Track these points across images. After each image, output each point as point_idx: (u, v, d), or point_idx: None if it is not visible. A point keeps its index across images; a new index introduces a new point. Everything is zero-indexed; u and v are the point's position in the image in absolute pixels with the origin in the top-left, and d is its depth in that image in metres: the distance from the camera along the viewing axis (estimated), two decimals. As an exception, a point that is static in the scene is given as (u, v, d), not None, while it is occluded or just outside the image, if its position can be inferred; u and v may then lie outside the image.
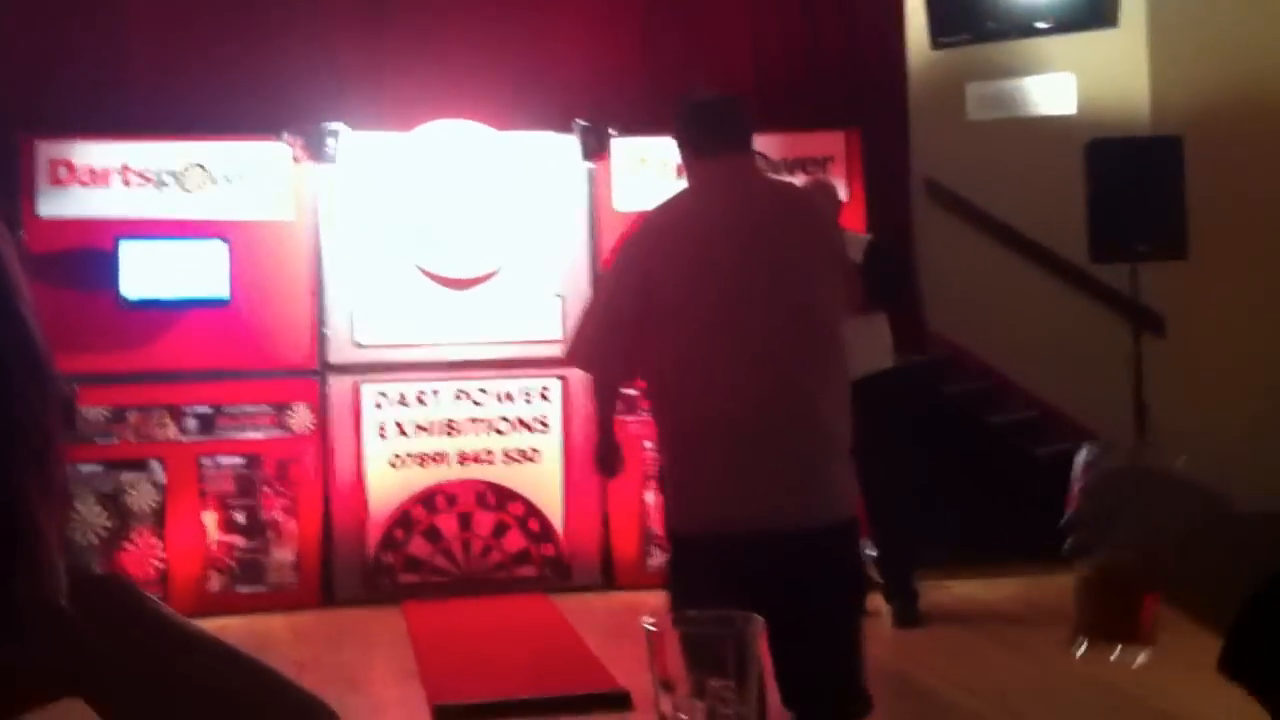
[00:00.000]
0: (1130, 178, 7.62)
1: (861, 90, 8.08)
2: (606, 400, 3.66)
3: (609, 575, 7.34)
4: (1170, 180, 7.71)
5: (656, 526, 7.37)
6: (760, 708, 1.08)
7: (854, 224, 7.42)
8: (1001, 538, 7.41)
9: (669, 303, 3.32)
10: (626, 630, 6.19)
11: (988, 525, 7.26)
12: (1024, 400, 8.55)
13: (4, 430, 0.77)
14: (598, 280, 3.55)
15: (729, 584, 3.07)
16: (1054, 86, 8.54)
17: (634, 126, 7.42)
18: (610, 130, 7.46)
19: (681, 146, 3.58)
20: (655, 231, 3.44)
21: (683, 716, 1.05)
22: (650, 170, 7.51)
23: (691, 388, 3.29)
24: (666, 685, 1.06)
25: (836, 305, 3.40)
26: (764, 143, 7.59)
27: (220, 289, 6.99)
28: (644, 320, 3.35)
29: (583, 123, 7.41)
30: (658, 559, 7.35)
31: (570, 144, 7.43)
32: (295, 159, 7.18)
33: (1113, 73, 8.54)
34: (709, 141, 3.54)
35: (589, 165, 7.48)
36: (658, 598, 6.29)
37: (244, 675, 0.89)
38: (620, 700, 5.12)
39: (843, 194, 7.57)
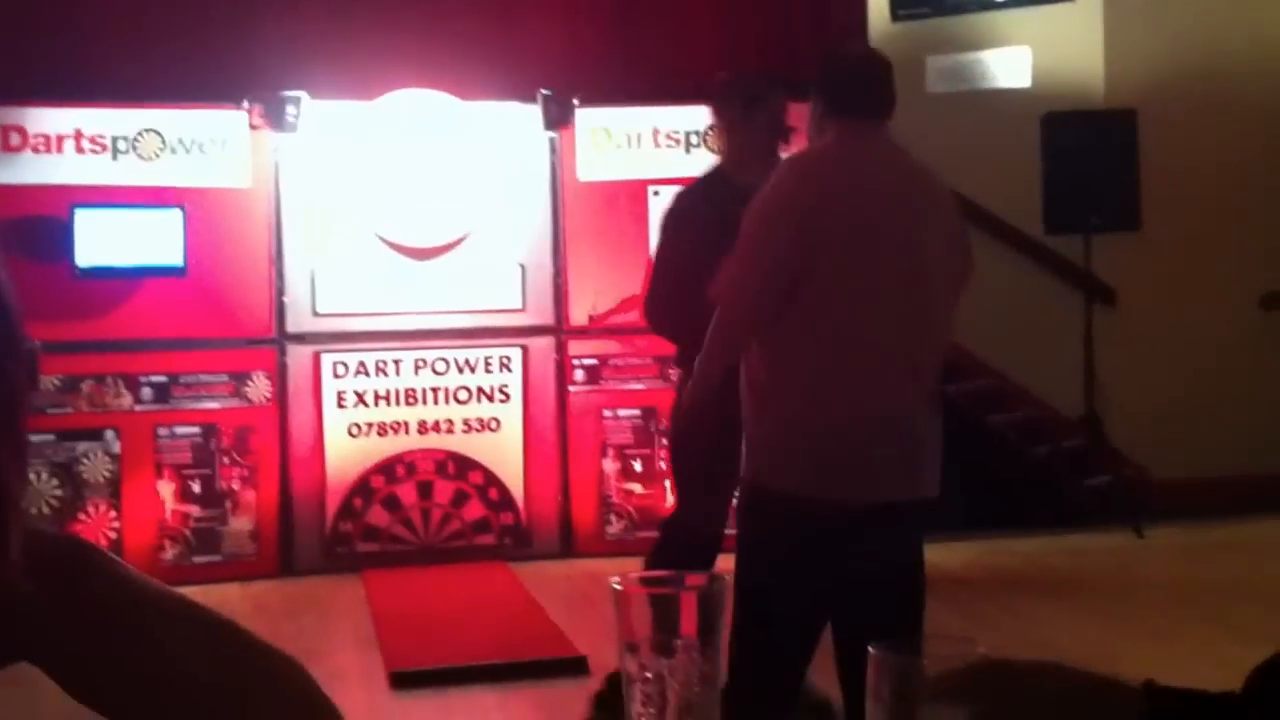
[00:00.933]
0: (1085, 151, 7.70)
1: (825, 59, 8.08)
2: (724, 368, 3.41)
3: (568, 544, 7.36)
4: (1123, 153, 7.79)
5: (615, 495, 7.40)
6: (720, 661, 1.10)
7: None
8: (955, 504, 7.48)
9: (830, 276, 3.19)
10: (585, 598, 6.28)
11: (941, 492, 7.31)
12: (977, 369, 8.61)
13: None
14: (741, 246, 3.27)
15: (829, 552, 3.18)
16: (1011, 60, 8.58)
17: (599, 97, 7.41)
18: (574, 101, 7.45)
19: (820, 99, 3.38)
20: (813, 200, 3.23)
21: (648, 675, 1.05)
22: (614, 142, 7.51)
23: (846, 366, 3.21)
24: (632, 645, 1.06)
25: (956, 291, 3.42)
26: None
27: (176, 257, 6.93)
28: (793, 290, 3.20)
29: (546, 93, 7.39)
30: (616, 527, 7.39)
31: (534, 114, 7.41)
32: (254, 126, 7.13)
33: (1068, 47, 8.59)
34: (857, 101, 3.38)
35: (552, 135, 7.46)
36: (617, 565, 6.32)
37: (208, 634, 0.86)
38: (577, 666, 5.16)
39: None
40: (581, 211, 7.47)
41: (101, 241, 6.85)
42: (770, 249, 3.22)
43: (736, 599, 3.18)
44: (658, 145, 7.56)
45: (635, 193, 7.45)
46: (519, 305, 7.31)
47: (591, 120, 7.48)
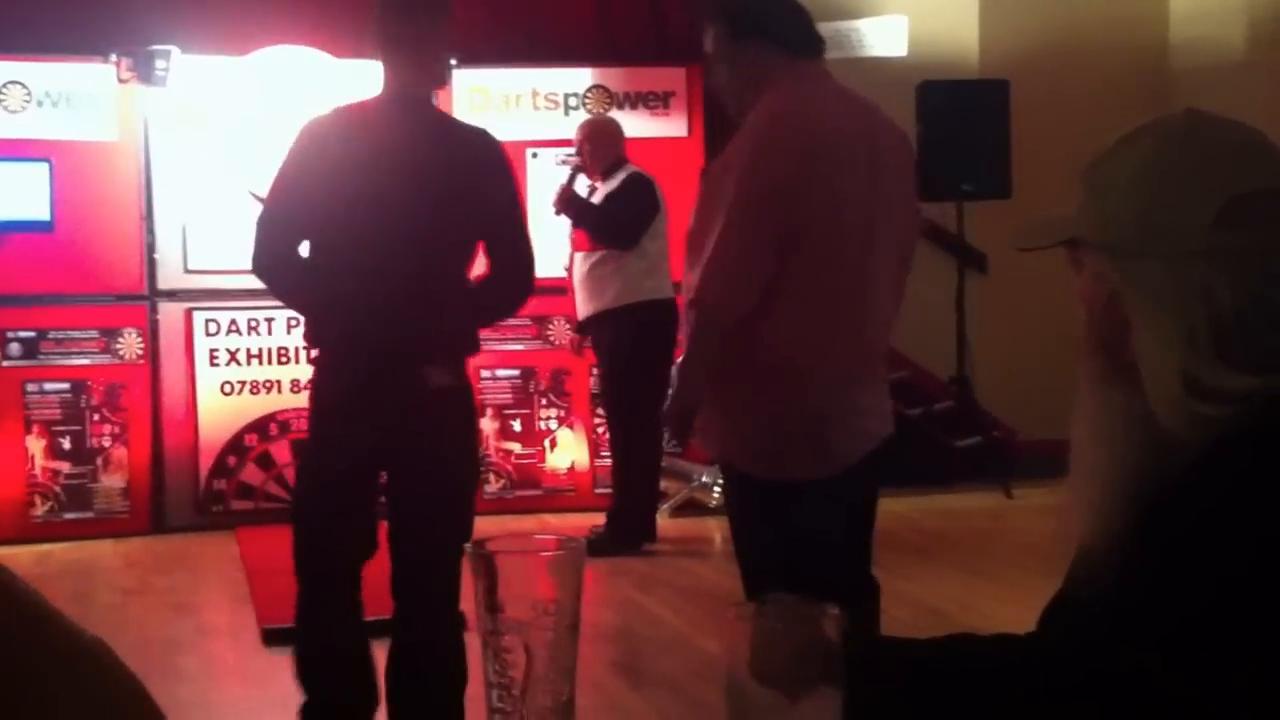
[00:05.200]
0: (958, 119, 7.82)
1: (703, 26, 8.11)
2: (715, 347, 3.08)
3: (444, 503, 7.35)
4: (996, 122, 7.94)
5: (494, 455, 7.41)
6: (577, 624, 1.12)
7: (693, 160, 7.52)
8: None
9: (824, 238, 2.99)
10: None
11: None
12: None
13: None
14: (726, 209, 2.94)
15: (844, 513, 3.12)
16: (887, 29, 8.69)
17: (474, 57, 7.37)
18: (452, 60, 7.38)
19: (761, 40, 3.10)
20: (803, 156, 2.99)
21: (506, 638, 1.06)
22: (491, 102, 7.48)
23: (834, 330, 3.05)
24: (491, 607, 1.07)
25: (917, 235, 3.32)
26: (605, 76, 7.64)
27: (43, 211, 6.79)
28: (782, 254, 2.98)
29: (423, 51, 7.32)
30: (494, 486, 7.41)
31: (410, 72, 7.34)
32: (122, 80, 6.99)
33: (944, 17, 8.72)
34: (806, 41, 3.15)
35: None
36: (494, 524, 6.36)
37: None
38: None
39: (682, 130, 7.66)
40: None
41: (-35, 194, 6.69)
42: (746, 220, 2.97)
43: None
44: (536, 107, 7.55)
45: (514, 154, 7.39)
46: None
47: (469, 80, 7.44)
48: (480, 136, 3.57)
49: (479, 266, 3.62)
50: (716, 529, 6.65)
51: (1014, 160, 7.95)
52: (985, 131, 7.86)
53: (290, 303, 3.81)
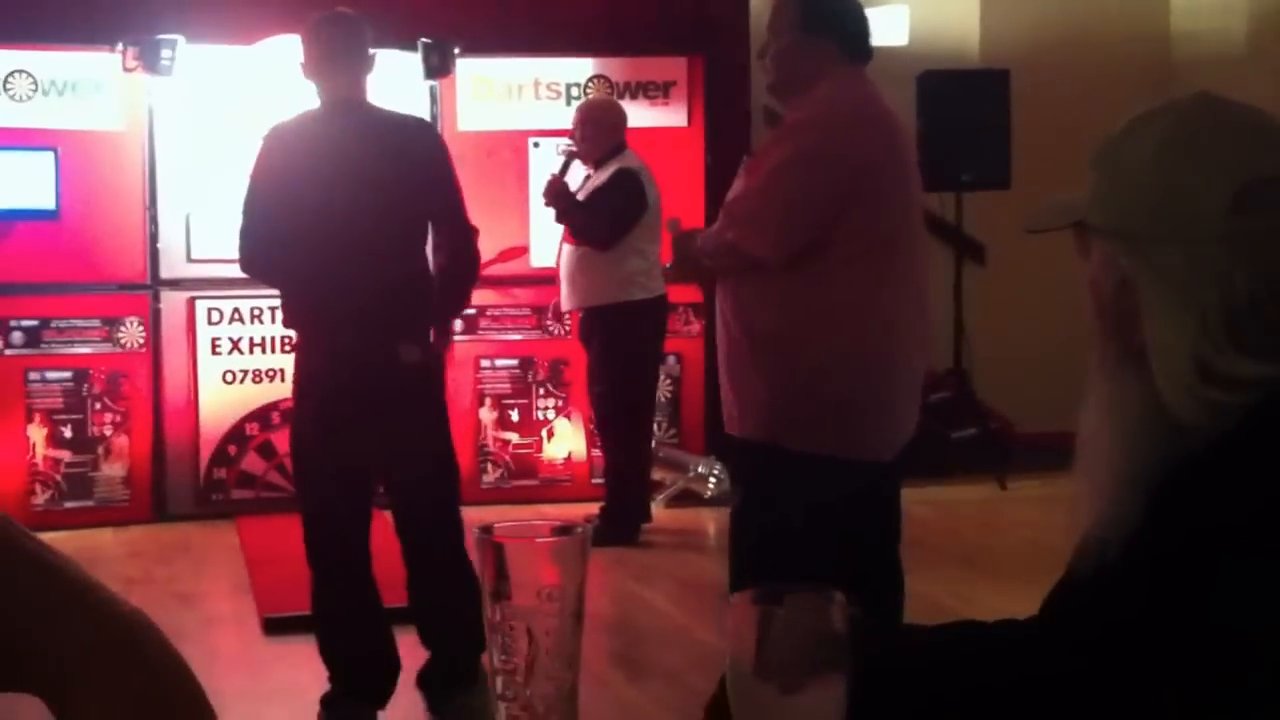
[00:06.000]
0: (958, 109, 7.83)
1: (705, 16, 8.12)
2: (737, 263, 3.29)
3: (444, 492, 7.37)
4: (996, 113, 7.94)
5: (492, 445, 7.43)
6: (581, 613, 1.14)
7: (693, 150, 7.53)
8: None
9: (882, 218, 3.18)
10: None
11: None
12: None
13: None
14: (789, 162, 3.19)
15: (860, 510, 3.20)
16: (888, 18, 8.69)
17: (480, 47, 7.37)
18: (455, 50, 7.40)
19: (828, 38, 3.28)
20: (860, 136, 3.22)
21: (512, 624, 1.07)
22: (495, 92, 7.49)
23: (889, 311, 3.20)
24: (496, 593, 1.07)
25: None
26: (607, 66, 7.64)
27: (48, 201, 6.81)
28: (828, 227, 3.15)
29: (427, 41, 7.33)
30: (492, 475, 7.43)
31: (414, 62, 7.36)
32: (128, 69, 7.00)
33: (944, 6, 8.72)
34: (864, 49, 3.34)
35: (433, 85, 7.41)
36: (493, 513, 6.36)
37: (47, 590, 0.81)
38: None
39: (682, 120, 7.67)
40: (462, 161, 7.41)
41: (-30, 183, 6.71)
42: (801, 183, 3.15)
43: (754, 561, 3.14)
44: (538, 96, 7.55)
45: (516, 143, 7.45)
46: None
47: (472, 70, 7.44)
48: (418, 126, 4.22)
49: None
50: (712, 519, 6.68)
51: (1014, 150, 7.96)
52: (985, 121, 7.86)
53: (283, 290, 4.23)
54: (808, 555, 3.08)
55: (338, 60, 4.04)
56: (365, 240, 3.82)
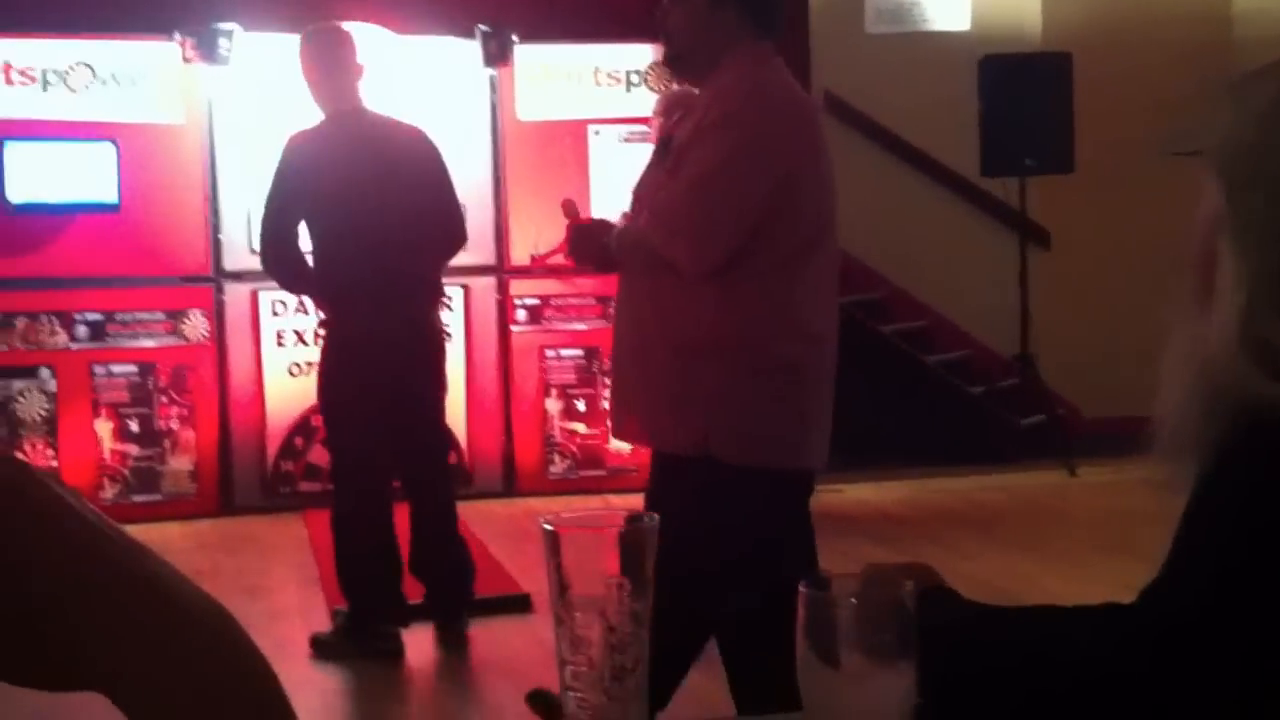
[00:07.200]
0: (1021, 93, 7.75)
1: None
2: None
3: (510, 482, 7.38)
4: (1059, 96, 7.85)
5: (559, 435, 7.43)
6: (650, 602, 1.11)
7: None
8: (893, 442, 7.60)
9: (809, 219, 2.97)
10: (528, 535, 6.28)
11: (879, 431, 7.43)
12: (915, 310, 8.70)
13: None
14: (721, 165, 2.89)
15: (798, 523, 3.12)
16: (950, 2, 8.62)
17: (538, 34, 7.36)
18: (513, 37, 7.39)
19: (738, 11, 3.00)
20: (791, 132, 2.98)
21: (578, 615, 1.05)
22: (554, 80, 7.47)
23: (820, 315, 3.02)
24: (563, 585, 1.06)
25: None
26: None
27: (110, 193, 6.86)
28: (761, 225, 2.93)
29: (485, 28, 7.33)
30: (559, 466, 7.43)
31: (473, 50, 7.36)
32: (186, 59, 7.04)
33: (1007, -11, 8.64)
34: (775, 22, 3.08)
35: (492, 73, 7.41)
36: (561, 504, 6.38)
37: (134, 575, 0.79)
38: (521, 603, 5.21)
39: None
40: (522, 150, 7.44)
41: (33, 176, 6.76)
42: (740, 179, 2.92)
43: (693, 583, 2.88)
44: (598, 84, 7.53)
45: (576, 132, 7.43)
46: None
47: (531, 57, 7.44)
48: (413, 132, 4.84)
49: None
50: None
51: (1077, 134, 7.86)
52: (1048, 105, 7.78)
53: (293, 286, 5.01)
54: (746, 567, 2.98)
55: (331, 73, 4.67)
56: (381, 228, 4.53)
